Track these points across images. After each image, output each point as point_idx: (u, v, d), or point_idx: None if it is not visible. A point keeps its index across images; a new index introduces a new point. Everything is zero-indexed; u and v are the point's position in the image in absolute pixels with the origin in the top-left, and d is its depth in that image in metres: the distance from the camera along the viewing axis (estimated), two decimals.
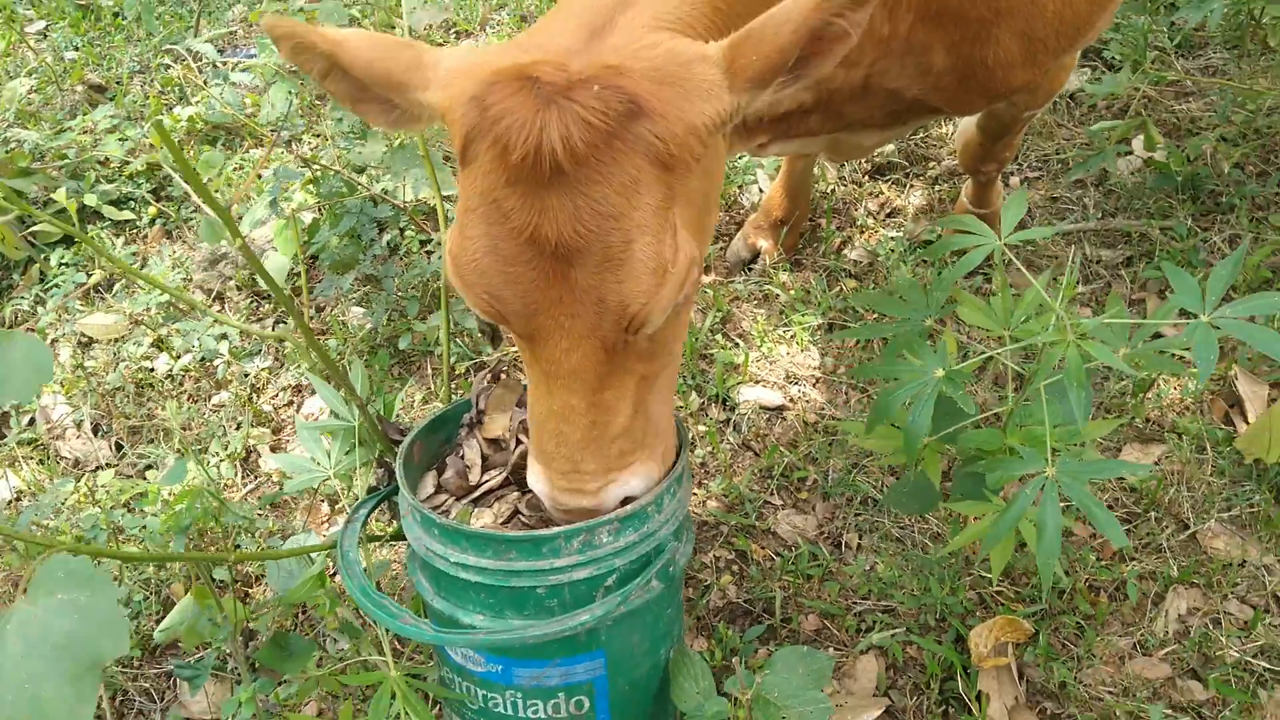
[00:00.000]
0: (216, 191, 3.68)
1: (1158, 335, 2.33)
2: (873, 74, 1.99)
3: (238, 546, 2.37)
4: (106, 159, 3.94)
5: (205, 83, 3.17)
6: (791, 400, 2.79)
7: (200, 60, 3.95)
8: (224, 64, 3.80)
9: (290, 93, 2.72)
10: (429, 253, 3.04)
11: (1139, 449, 2.49)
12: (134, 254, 3.56)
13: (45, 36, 5.17)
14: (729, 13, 1.59)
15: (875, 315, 2.93)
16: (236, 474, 2.71)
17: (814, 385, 2.82)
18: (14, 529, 1.49)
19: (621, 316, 1.40)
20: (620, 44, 1.43)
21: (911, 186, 3.52)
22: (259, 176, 3.11)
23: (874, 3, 1.36)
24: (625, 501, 1.62)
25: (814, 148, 2.37)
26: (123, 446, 2.88)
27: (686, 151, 1.39)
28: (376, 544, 2.04)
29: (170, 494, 2.51)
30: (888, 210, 3.44)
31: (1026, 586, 2.20)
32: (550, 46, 1.44)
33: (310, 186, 2.79)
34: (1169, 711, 1.95)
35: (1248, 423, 2.51)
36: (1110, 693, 2.02)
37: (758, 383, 2.83)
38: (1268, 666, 2.03)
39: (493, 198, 1.36)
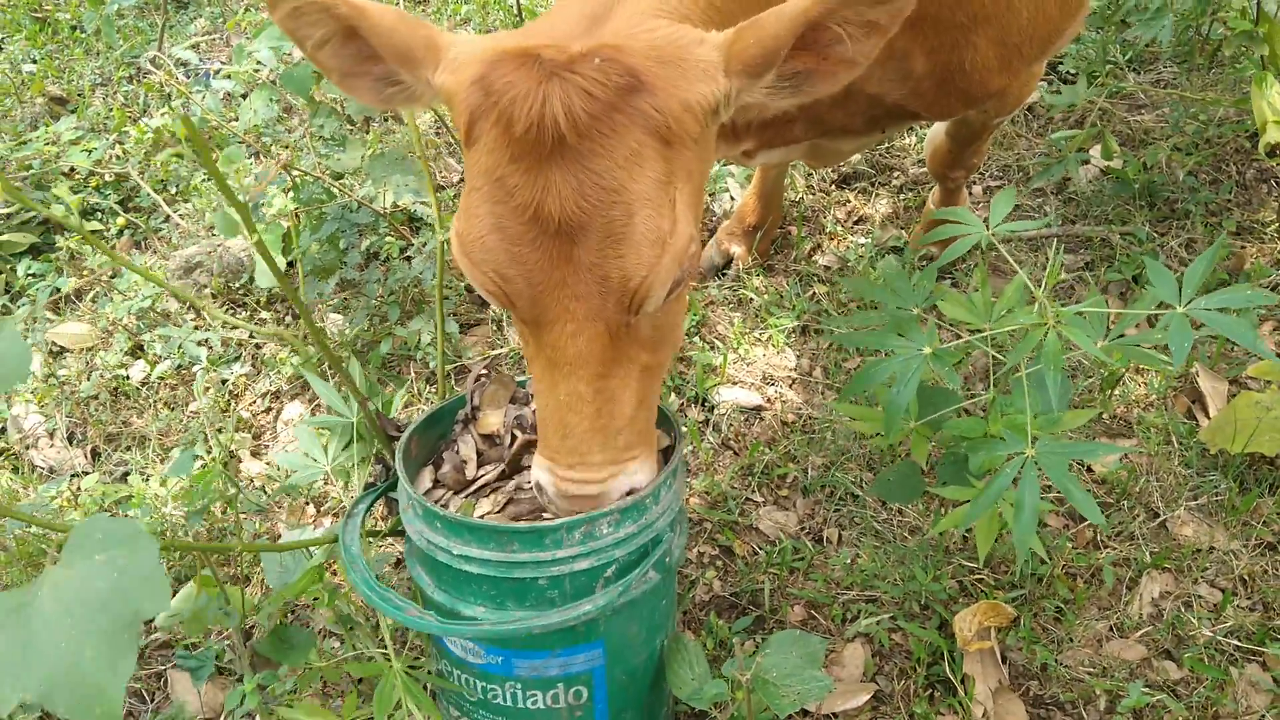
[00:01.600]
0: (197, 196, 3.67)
1: (1120, 336, 2.43)
2: (855, 80, 2.05)
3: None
4: (72, 170, 3.91)
5: (188, 90, 3.16)
6: (769, 400, 2.84)
7: (184, 67, 3.94)
8: (207, 70, 3.79)
9: (271, 99, 2.73)
10: (408, 258, 3.05)
11: (1108, 443, 2.56)
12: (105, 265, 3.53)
13: (1, 49, 5.12)
14: (725, 10, 1.64)
15: (857, 306, 3.01)
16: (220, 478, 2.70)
17: (790, 386, 2.88)
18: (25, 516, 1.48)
19: (624, 293, 1.42)
20: (620, 28, 1.48)
21: (877, 195, 3.60)
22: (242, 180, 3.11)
23: (885, 34, 1.41)
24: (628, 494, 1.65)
25: (796, 155, 2.43)
26: (99, 454, 2.86)
27: (684, 129, 1.43)
28: (374, 539, 2.05)
29: (159, 492, 2.50)
30: (855, 218, 3.52)
31: (1006, 574, 2.26)
32: (553, 33, 1.49)
33: (290, 193, 2.80)
34: (1146, 690, 2.01)
35: (1209, 417, 2.61)
36: (1090, 673, 2.08)
37: (735, 384, 2.88)
38: (1238, 645, 2.11)
39: (497, 175, 1.39)
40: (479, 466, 1.94)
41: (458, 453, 1.96)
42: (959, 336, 2.68)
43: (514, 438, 1.93)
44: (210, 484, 1.79)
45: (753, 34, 1.43)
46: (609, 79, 1.35)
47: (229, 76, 3.09)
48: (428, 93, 1.54)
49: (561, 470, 1.57)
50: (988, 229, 1.80)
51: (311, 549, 1.94)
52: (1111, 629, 2.17)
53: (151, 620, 2.19)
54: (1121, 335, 1.78)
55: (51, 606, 1.13)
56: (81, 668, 1.11)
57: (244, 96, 3.76)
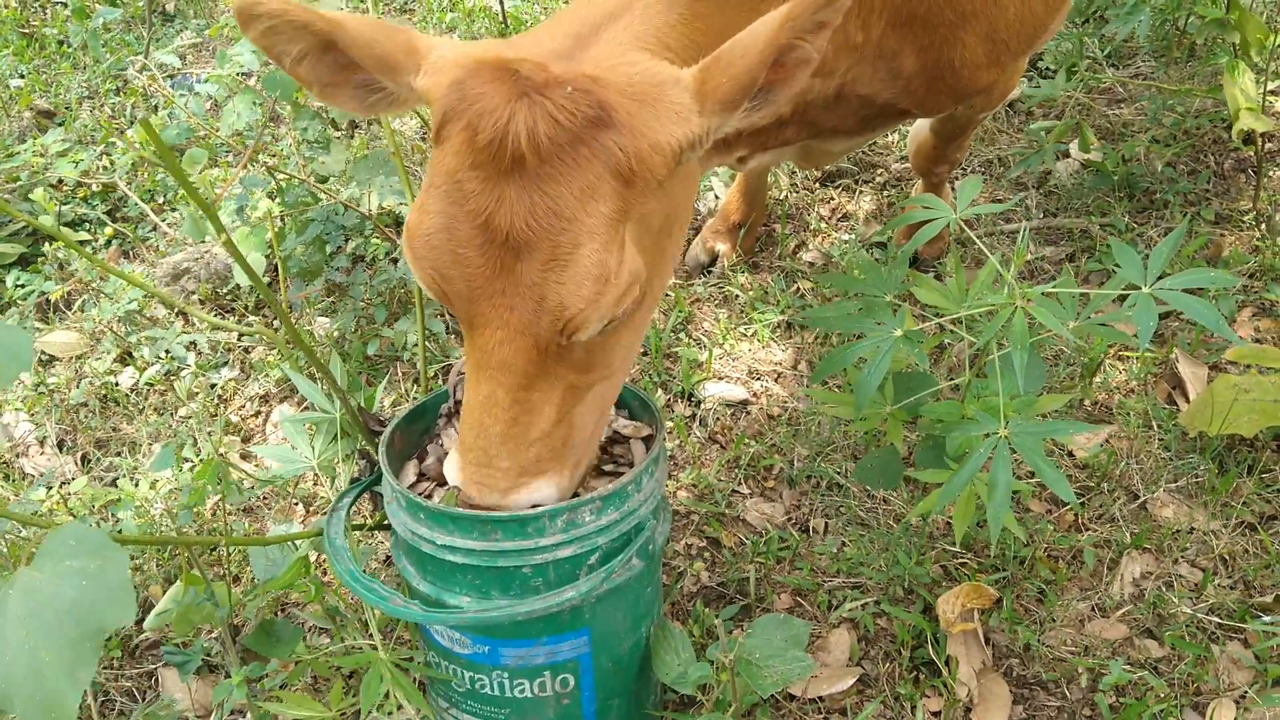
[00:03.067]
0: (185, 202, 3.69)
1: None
2: (846, 82, 2.07)
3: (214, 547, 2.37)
4: (60, 181, 3.93)
5: (172, 96, 3.19)
6: (755, 394, 2.86)
7: (165, 71, 3.96)
8: (190, 75, 3.82)
9: (255, 102, 2.76)
10: (394, 260, 3.07)
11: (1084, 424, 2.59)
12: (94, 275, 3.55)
13: None
14: (709, 35, 1.64)
15: (837, 297, 3.03)
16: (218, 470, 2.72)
17: (776, 380, 2.90)
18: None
19: (558, 318, 1.44)
20: (601, 56, 1.50)
21: (861, 192, 3.63)
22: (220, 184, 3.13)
23: (832, 28, 1.42)
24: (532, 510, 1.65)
25: (788, 156, 2.46)
26: (89, 461, 2.87)
27: (648, 169, 1.44)
28: (359, 531, 2.07)
29: (148, 495, 2.51)
30: (839, 215, 3.55)
31: (989, 556, 2.29)
32: (537, 49, 1.51)
33: (274, 195, 2.82)
34: (1128, 668, 2.04)
35: (1189, 402, 2.63)
36: (1072, 652, 2.11)
37: (721, 379, 2.91)
38: (1219, 623, 2.13)
39: (456, 178, 1.41)
40: None
41: (441, 445, 1.98)
42: (941, 327, 2.71)
43: None
44: (213, 476, 1.80)
45: (723, 71, 1.43)
46: (578, 109, 1.37)
47: (209, 81, 3.12)
48: (411, 97, 1.56)
49: (469, 470, 1.60)
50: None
51: (298, 543, 1.96)
52: (1093, 609, 2.20)
53: (140, 621, 2.21)
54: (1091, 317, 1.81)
55: (19, 609, 1.15)
56: (41, 672, 1.12)
57: (229, 99, 3.78)
